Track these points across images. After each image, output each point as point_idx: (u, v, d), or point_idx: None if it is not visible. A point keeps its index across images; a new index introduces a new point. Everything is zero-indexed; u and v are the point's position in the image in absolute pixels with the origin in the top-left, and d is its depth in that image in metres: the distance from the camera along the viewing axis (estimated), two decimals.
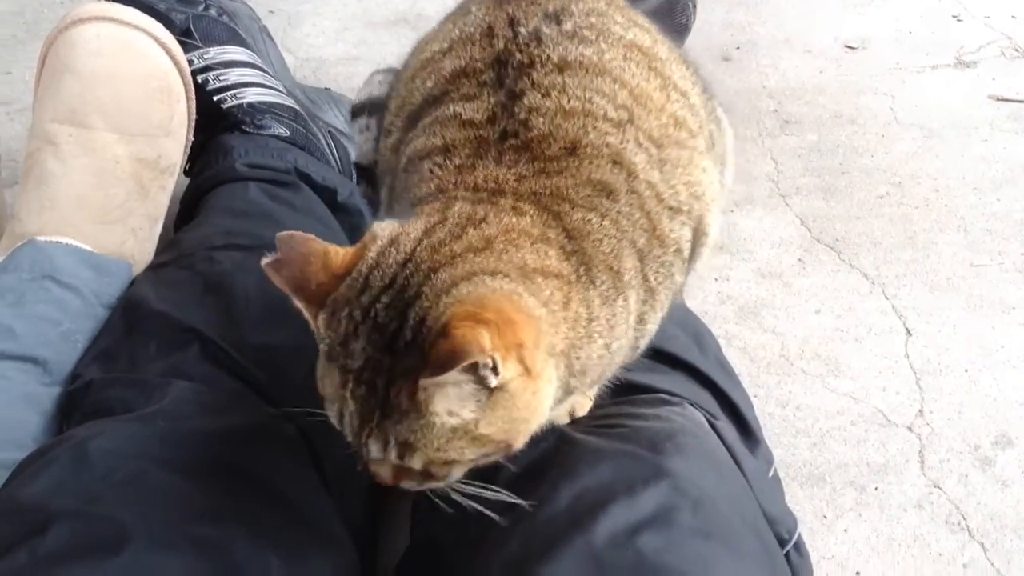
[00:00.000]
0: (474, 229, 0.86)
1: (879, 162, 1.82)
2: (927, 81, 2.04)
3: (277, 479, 1.00)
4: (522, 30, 0.98)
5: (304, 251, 0.84)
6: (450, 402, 0.80)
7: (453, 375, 0.77)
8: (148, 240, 1.40)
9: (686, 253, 0.98)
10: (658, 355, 1.15)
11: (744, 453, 1.10)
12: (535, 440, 0.98)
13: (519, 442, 0.86)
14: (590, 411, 1.07)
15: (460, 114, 0.95)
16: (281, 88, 1.60)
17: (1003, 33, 2.18)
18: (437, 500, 0.91)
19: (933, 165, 1.81)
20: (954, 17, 2.24)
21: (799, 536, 1.06)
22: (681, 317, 1.19)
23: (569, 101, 0.94)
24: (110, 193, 1.34)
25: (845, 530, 1.24)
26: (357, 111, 1.31)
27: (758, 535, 0.98)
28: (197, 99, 1.46)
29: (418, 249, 0.84)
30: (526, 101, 0.94)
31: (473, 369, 0.77)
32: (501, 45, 0.98)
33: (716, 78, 1.16)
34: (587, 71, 0.96)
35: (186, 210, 1.48)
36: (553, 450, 1.00)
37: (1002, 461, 1.31)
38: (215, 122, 1.51)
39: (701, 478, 0.97)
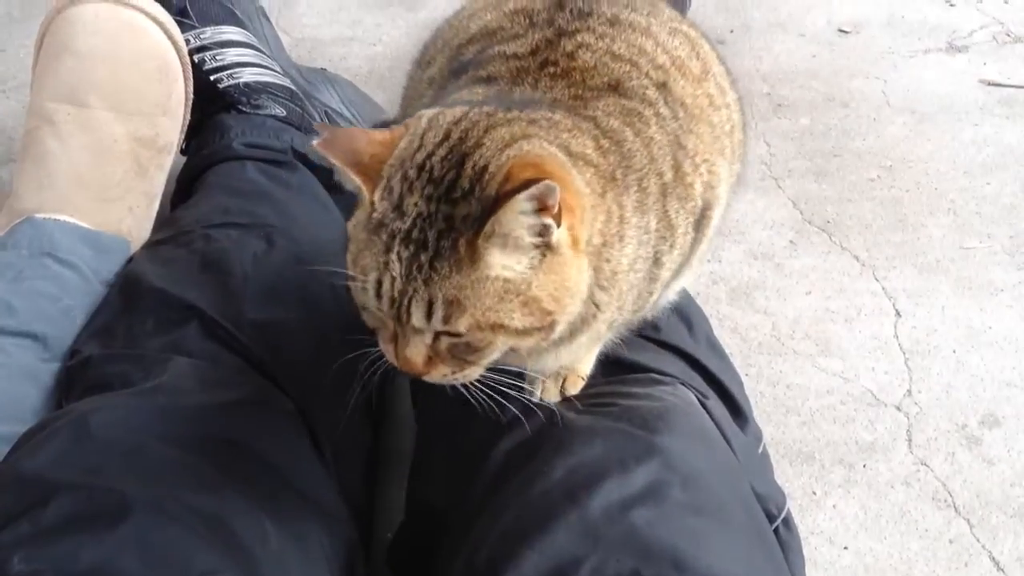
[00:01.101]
0: (517, 110, 0.89)
1: (871, 145, 1.84)
2: (919, 65, 2.05)
3: (274, 452, 1.01)
4: None
5: (349, 132, 0.87)
6: (507, 253, 0.81)
7: (522, 204, 0.78)
8: (145, 218, 1.41)
9: (697, 214, 1.01)
10: (648, 338, 1.17)
11: (734, 431, 1.12)
12: (528, 416, 1.01)
13: (561, 321, 0.86)
14: (582, 390, 1.08)
15: (504, 51, 1.00)
16: (277, 68, 1.61)
17: (995, 18, 2.19)
18: (466, 392, 0.92)
19: (924, 149, 1.83)
20: (946, 1, 2.25)
21: (788, 512, 1.08)
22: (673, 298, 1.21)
23: (618, 47, 0.99)
24: (108, 171, 1.35)
25: (834, 506, 1.26)
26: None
27: (747, 510, 1.00)
28: (194, 79, 1.46)
29: (471, 113, 0.87)
30: (578, 38, 0.99)
31: (538, 212, 0.79)
32: None
33: None
34: (634, 30, 1.02)
35: (183, 189, 1.49)
36: (546, 427, 1.01)
37: (988, 440, 1.33)
38: (212, 102, 1.52)
39: (692, 455, 0.99)
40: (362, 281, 0.84)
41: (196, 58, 1.51)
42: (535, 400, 1.05)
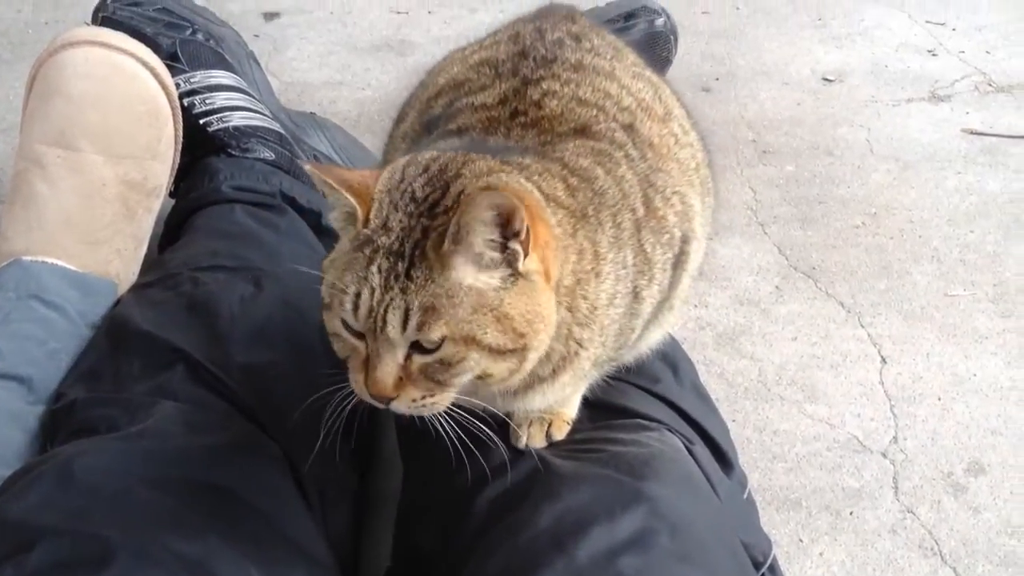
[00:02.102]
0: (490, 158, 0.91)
1: (855, 193, 1.85)
2: (903, 114, 2.08)
3: (260, 498, 1.01)
4: (547, 36, 1.07)
5: (337, 166, 0.89)
6: (474, 264, 0.83)
7: (481, 209, 0.80)
8: (133, 261, 1.41)
9: (676, 249, 1.02)
10: (634, 383, 1.17)
11: (720, 478, 1.12)
12: (515, 461, 1.01)
13: (533, 347, 0.87)
14: (568, 435, 1.08)
15: (473, 103, 1.02)
16: (267, 112, 1.62)
17: (977, 68, 2.22)
18: (446, 434, 0.91)
19: (908, 196, 1.85)
20: (929, 52, 2.28)
21: (774, 558, 1.08)
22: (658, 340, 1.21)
23: (584, 92, 1.01)
24: (97, 214, 1.35)
25: (820, 554, 1.26)
26: None
27: (734, 558, 1.00)
28: (183, 122, 1.47)
29: (444, 154, 0.89)
30: (544, 86, 1.01)
31: (496, 226, 0.81)
32: (527, 43, 1.06)
33: (696, 108, 1.19)
34: (599, 74, 1.04)
35: (171, 231, 1.49)
36: (533, 473, 1.01)
37: (974, 487, 1.33)
38: (201, 145, 1.52)
39: (678, 502, 0.99)
40: (340, 298, 0.85)
41: (186, 102, 1.51)
42: (521, 445, 1.05)
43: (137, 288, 1.35)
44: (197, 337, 1.18)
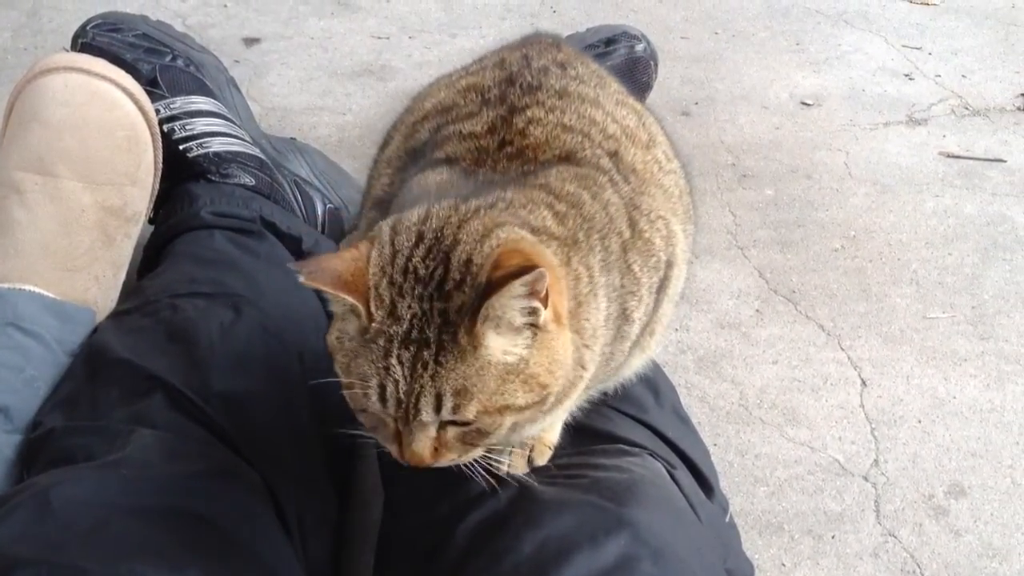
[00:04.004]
0: (473, 199, 0.90)
1: (834, 216, 1.86)
2: (880, 138, 2.09)
3: (240, 527, 1.00)
4: (534, 63, 1.07)
5: (323, 257, 0.87)
6: (503, 336, 0.83)
7: (516, 289, 0.80)
8: (112, 287, 1.40)
9: (661, 273, 1.02)
10: (615, 408, 1.17)
11: (702, 501, 1.12)
12: (496, 488, 1.00)
13: (554, 391, 0.88)
14: (550, 461, 1.08)
15: (460, 130, 1.02)
16: (247, 138, 1.62)
17: (953, 92, 2.24)
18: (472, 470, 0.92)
19: (886, 219, 1.86)
20: (906, 76, 2.30)
21: None
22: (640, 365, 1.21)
23: (569, 119, 1.02)
24: (75, 241, 1.34)
25: None
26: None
27: None
28: (163, 148, 1.46)
29: (432, 213, 0.88)
30: (529, 113, 1.01)
31: (528, 296, 0.81)
32: (514, 69, 1.06)
33: (676, 132, 1.20)
34: (584, 101, 1.05)
35: (150, 257, 1.48)
36: (515, 499, 1.01)
37: (955, 510, 1.34)
38: (181, 171, 1.52)
39: (661, 528, 0.98)
40: (362, 387, 0.85)
41: (166, 128, 1.51)
42: (503, 472, 1.05)
43: (115, 315, 1.34)
44: (176, 364, 1.18)
